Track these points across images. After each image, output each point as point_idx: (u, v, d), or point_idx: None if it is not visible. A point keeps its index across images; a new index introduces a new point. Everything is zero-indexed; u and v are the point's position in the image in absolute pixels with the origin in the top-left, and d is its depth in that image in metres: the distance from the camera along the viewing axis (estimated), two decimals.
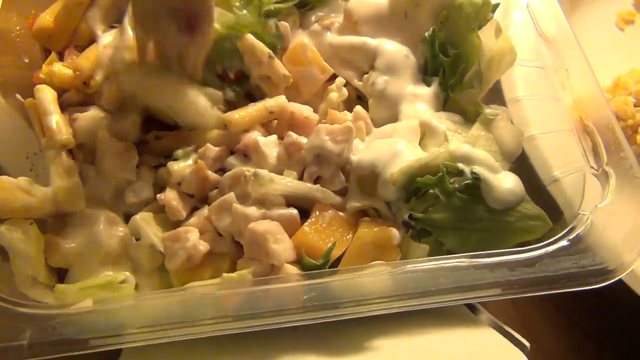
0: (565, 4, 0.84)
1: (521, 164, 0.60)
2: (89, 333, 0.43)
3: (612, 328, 0.71)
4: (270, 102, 0.61)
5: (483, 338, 0.53)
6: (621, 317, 0.69)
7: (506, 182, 0.53)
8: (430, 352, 0.51)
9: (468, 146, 0.55)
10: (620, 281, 0.58)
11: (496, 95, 0.66)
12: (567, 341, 0.70)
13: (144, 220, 0.54)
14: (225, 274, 0.49)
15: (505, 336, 0.52)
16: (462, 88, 0.63)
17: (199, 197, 0.59)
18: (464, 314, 0.58)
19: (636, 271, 0.58)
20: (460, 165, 0.54)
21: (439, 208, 0.53)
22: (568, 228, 0.47)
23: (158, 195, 0.56)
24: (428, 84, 0.65)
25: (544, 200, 0.55)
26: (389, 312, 0.46)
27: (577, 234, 0.46)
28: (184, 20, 0.55)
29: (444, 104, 0.65)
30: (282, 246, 0.53)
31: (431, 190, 0.53)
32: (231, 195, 0.55)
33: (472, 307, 0.59)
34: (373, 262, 0.49)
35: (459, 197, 0.53)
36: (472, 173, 0.53)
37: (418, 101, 0.63)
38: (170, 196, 0.55)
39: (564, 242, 0.46)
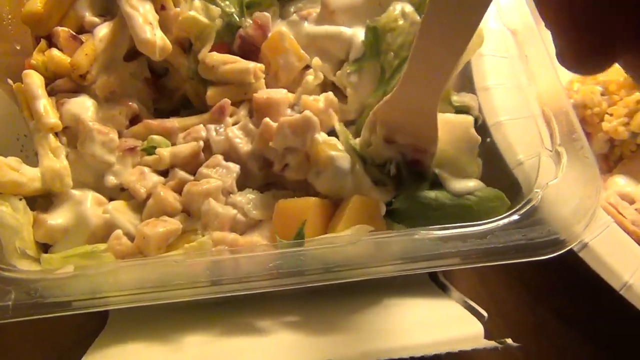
0: None
1: (491, 149, 0.63)
2: (70, 296, 0.46)
3: (576, 306, 0.74)
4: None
5: (445, 309, 0.56)
6: (585, 295, 0.72)
7: (463, 180, 0.58)
8: (395, 320, 0.54)
9: None
10: (581, 259, 0.62)
11: (468, 84, 0.68)
12: (534, 318, 0.73)
13: (116, 209, 0.58)
14: (186, 244, 0.53)
15: (466, 308, 0.56)
16: None
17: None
18: (432, 289, 0.62)
19: (592, 249, 0.62)
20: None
21: (402, 199, 0.56)
22: (521, 204, 0.50)
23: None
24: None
25: (510, 183, 0.58)
26: (353, 280, 0.49)
27: (527, 209, 0.50)
28: (411, 159, 0.58)
29: None
30: None
31: None
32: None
33: (441, 285, 0.62)
34: (334, 234, 0.52)
35: (421, 188, 0.57)
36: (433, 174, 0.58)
37: None
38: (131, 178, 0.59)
39: (514, 217, 0.49)
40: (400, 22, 0.62)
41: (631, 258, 0.64)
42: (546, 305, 0.75)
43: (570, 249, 0.61)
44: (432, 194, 0.57)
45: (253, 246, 0.54)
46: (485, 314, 0.53)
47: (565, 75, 0.85)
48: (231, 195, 0.59)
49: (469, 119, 0.62)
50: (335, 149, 0.58)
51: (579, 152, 0.52)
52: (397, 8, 0.63)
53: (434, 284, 0.62)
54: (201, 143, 0.61)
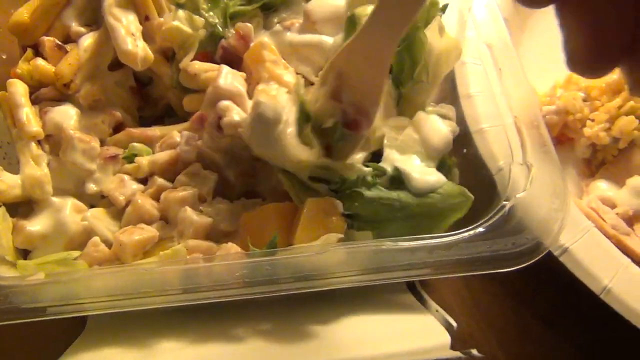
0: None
1: (474, 155, 0.64)
2: (44, 302, 0.47)
3: (559, 310, 0.74)
4: None
5: (416, 319, 0.57)
6: (567, 299, 0.73)
7: (426, 174, 0.58)
8: (366, 330, 0.55)
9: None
10: (562, 264, 0.62)
11: (450, 94, 0.69)
12: (517, 322, 0.74)
13: (95, 217, 0.59)
14: (161, 252, 0.53)
15: (437, 318, 0.56)
16: (413, 83, 0.67)
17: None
18: (407, 298, 0.62)
19: (573, 253, 0.63)
20: (383, 166, 0.59)
21: (365, 203, 0.57)
22: (488, 216, 0.51)
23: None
24: None
25: (493, 189, 0.58)
26: (324, 289, 0.50)
27: (494, 221, 0.50)
28: (351, 119, 0.57)
29: (398, 101, 0.69)
30: None
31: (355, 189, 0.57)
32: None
33: (418, 294, 0.63)
34: (305, 244, 0.53)
35: (381, 189, 0.57)
36: (394, 169, 0.58)
37: None
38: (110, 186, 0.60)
39: (480, 229, 0.50)
40: None
41: (611, 262, 0.64)
42: (529, 309, 0.75)
43: (551, 253, 0.63)
44: (394, 194, 0.57)
45: (227, 255, 0.55)
46: (454, 323, 0.53)
47: (547, 82, 0.87)
48: (204, 204, 0.60)
49: (453, 123, 0.63)
50: (267, 97, 0.56)
51: (548, 165, 0.53)
52: None
53: (410, 292, 0.63)
54: (179, 150, 0.62)
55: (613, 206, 0.75)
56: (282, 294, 0.51)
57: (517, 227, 0.49)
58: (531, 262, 0.48)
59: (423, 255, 0.48)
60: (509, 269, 0.48)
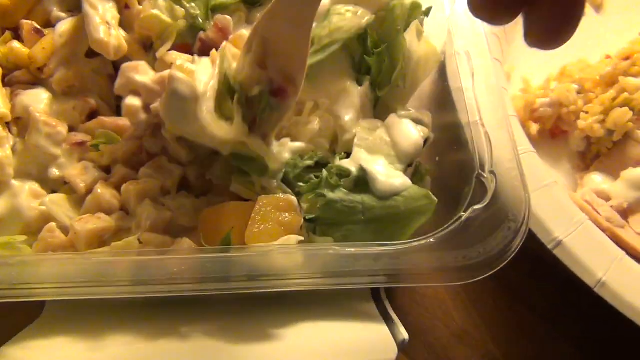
0: None
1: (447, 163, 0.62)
2: None
3: (553, 303, 0.73)
4: None
5: (370, 330, 0.55)
6: (561, 292, 0.72)
7: (391, 177, 0.57)
8: (313, 338, 0.54)
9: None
10: (557, 259, 0.61)
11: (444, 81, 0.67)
12: (512, 316, 0.73)
13: (54, 202, 0.58)
14: (113, 243, 0.53)
15: (391, 330, 0.55)
16: (389, 87, 0.65)
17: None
18: (367, 308, 0.61)
19: (567, 246, 0.62)
20: (347, 165, 0.57)
21: (327, 205, 0.55)
22: (443, 227, 0.49)
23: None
24: (360, 83, 0.66)
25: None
26: (276, 290, 0.49)
27: (445, 233, 0.48)
28: (277, 87, 0.57)
29: (375, 104, 0.67)
30: None
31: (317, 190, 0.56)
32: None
33: (381, 304, 0.61)
34: (261, 244, 0.52)
35: (344, 192, 0.56)
36: (360, 170, 0.56)
37: (345, 98, 0.65)
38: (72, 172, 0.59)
39: (430, 239, 0.48)
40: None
41: (605, 255, 0.64)
42: (525, 305, 0.74)
43: (546, 248, 0.61)
44: (357, 197, 0.56)
45: (179, 249, 0.54)
46: (407, 337, 0.52)
47: (541, 74, 0.85)
48: (166, 197, 0.59)
49: (425, 129, 0.62)
50: (181, 72, 0.55)
51: (510, 177, 0.51)
52: None
53: (373, 301, 0.61)
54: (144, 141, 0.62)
55: (607, 199, 0.74)
56: (234, 292, 0.50)
57: (470, 240, 0.48)
58: (481, 277, 0.46)
59: (369, 263, 0.47)
60: (456, 283, 0.46)
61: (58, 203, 0.59)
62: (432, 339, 0.67)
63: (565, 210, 0.65)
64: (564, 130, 0.82)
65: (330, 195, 0.56)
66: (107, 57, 0.64)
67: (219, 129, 0.55)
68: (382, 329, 0.54)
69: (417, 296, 0.68)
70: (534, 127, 0.81)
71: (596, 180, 0.77)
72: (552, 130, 0.82)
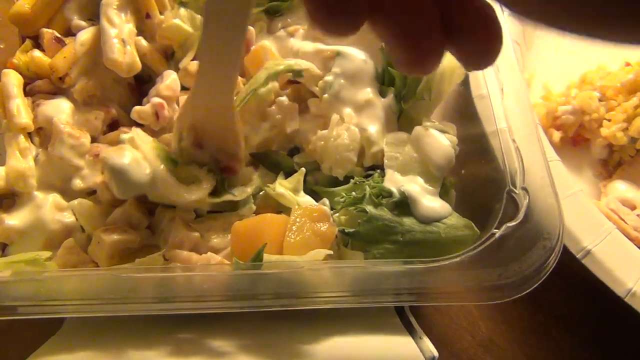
0: None
1: (472, 177, 0.62)
2: (11, 300, 0.46)
3: (578, 312, 0.72)
4: None
5: (399, 345, 0.55)
6: (587, 301, 0.71)
7: (432, 202, 0.56)
8: (343, 353, 0.53)
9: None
10: (584, 266, 0.61)
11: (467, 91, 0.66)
12: (536, 324, 0.72)
13: (81, 207, 0.58)
14: (137, 259, 0.52)
15: (420, 346, 0.54)
16: (414, 99, 0.65)
17: None
18: (393, 323, 0.60)
19: (596, 256, 0.61)
20: (388, 186, 0.57)
21: (368, 221, 0.55)
22: (477, 243, 0.49)
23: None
24: (384, 95, 0.66)
25: (488, 214, 0.56)
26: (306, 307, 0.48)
27: (480, 250, 0.48)
28: (223, 166, 0.60)
29: (399, 116, 0.67)
30: None
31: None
32: None
33: (406, 319, 0.61)
34: (290, 257, 0.51)
35: (387, 212, 0.55)
36: (400, 192, 0.56)
37: (369, 110, 0.65)
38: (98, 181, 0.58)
39: (466, 258, 0.47)
40: None
41: (635, 264, 0.62)
42: (548, 311, 0.73)
43: (571, 255, 0.60)
44: (398, 218, 0.56)
45: (206, 264, 0.54)
46: (436, 354, 0.51)
47: (561, 81, 0.85)
48: (196, 220, 0.58)
49: (454, 138, 0.61)
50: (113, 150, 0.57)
51: (544, 193, 0.50)
52: None
53: (397, 316, 0.61)
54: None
55: (633, 207, 0.74)
56: (262, 310, 0.49)
57: (506, 257, 0.47)
58: (517, 296, 0.46)
59: (404, 281, 0.46)
60: (494, 302, 0.46)
61: (84, 208, 0.58)
62: (459, 349, 0.66)
63: (592, 219, 0.65)
64: (586, 138, 0.82)
65: (374, 211, 0.55)
66: (120, 74, 0.64)
67: (189, 194, 0.57)
68: (410, 343, 0.54)
69: (442, 306, 0.68)
70: (556, 135, 0.80)
71: (620, 188, 0.76)
72: (573, 137, 0.82)
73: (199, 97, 0.55)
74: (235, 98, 0.59)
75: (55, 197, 0.58)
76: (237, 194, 0.59)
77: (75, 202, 0.58)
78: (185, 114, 0.58)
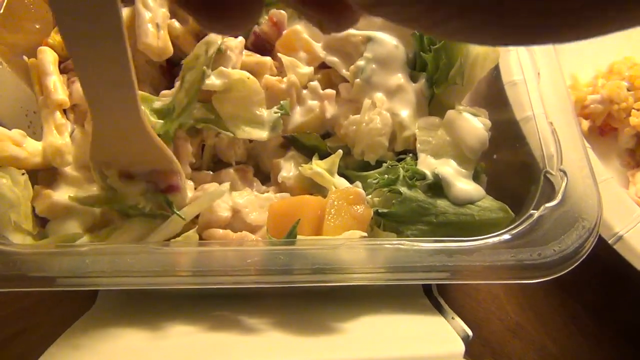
0: None
1: (504, 162, 0.62)
2: (50, 272, 0.47)
3: (608, 299, 0.73)
4: None
5: (431, 325, 0.55)
6: (616, 288, 0.71)
7: (466, 184, 0.56)
8: (378, 332, 0.53)
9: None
10: (614, 252, 0.61)
11: (497, 79, 0.66)
12: (566, 312, 0.72)
13: None
14: (172, 240, 0.52)
15: (453, 326, 0.54)
16: (446, 84, 0.65)
17: None
18: (423, 303, 0.60)
19: (627, 241, 0.61)
20: (423, 170, 0.57)
21: (403, 202, 0.55)
22: (515, 223, 0.49)
23: None
24: (415, 80, 0.66)
25: (522, 195, 0.56)
26: (340, 284, 0.48)
27: (520, 229, 0.48)
28: (164, 187, 0.56)
29: (430, 100, 0.67)
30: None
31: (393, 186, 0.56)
32: None
33: (434, 299, 0.61)
34: (324, 236, 0.51)
35: (420, 193, 0.56)
36: (434, 175, 0.56)
37: (401, 95, 0.65)
38: None
39: (505, 236, 0.48)
40: (201, 59, 0.61)
41: None
42: (577, 299, 0.73)
43: (601, 241, 0.60)
44: (432, 200, 0.56)
45: (241, 240, 0.54)
46: (470, 333, 0.51)
47: (588, 70, 0.85)
48: (232, 193, 0.59)
49: (487, 122, 0.61)
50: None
51: (581, 174, 0.50)
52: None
53: (426, 298, 0.61)
54: None
55: None
56: (295, 286, 0.49)
57: (545, 237, 0.47)
58: (557, 275, 0.46)
59: (443, 259, 0.46)
60: (533, 281, 0.46)
61: None
62: (487, 333, 0.67)
63: (624, 205, 0.64)
64: (614, 127, 0.82)
65: (408, 192, 0.56)
66: (152, 58, 0.64)
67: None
68: (443, 322, 0.54)
69: (471, 290, 0.68)
70: (585, 124, 0.81)
71: None
72: (601, 127, 0.82)
73: (100, 126, 0.49)
74: (144, 109, 0.53)
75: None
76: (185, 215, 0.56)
77: None
78: (96, 151, 0.52)
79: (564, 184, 0.50)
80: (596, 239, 0.47)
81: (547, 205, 0.49)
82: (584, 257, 0.46)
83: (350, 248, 0.49)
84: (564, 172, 0.51)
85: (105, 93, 0.45)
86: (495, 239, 0.48)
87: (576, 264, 0.46)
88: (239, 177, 0.64)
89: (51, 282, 0.48)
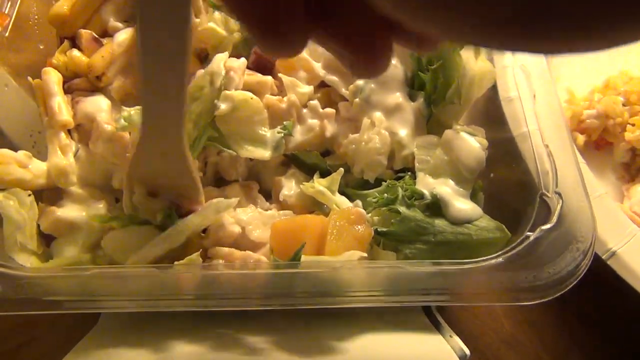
0: None
1: (501, 181, 0.63)
2: (57, 295, 0.48)
3: (604, 312, 0.73)
4: None
5: (430, 343, 0.56)
6: (612, 302, 0.72)
7: (464, 204, 0.57)
8: (376, 350, 0.54)
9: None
10: (609, 267, 0.62)
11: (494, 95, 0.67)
12: (561, 324, 0.73)
13: None
14: (176, 262, 0.53)
15: (451, 344, 0.55)
16: (444, 104, 0.66)
17: None
18: (422, 322, 0.61)
19: (621, 257, 0.62)
20: (421, 190, 0.58)
21: (402, 221, 0.56)
22: (511, 245, 0.50)
23: None
24: (413, 99, 0.67)
25: (518, 217, 0.57)
26: (332, 307, 0.49)
27: (515, 252, 0.49)
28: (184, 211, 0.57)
29: (428, 119, 0.68)
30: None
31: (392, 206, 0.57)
32: None
33: (434, 319, 0.62)
34: (324, 257, 0.52)
35: (419, 212, 0.57)
36: (432, 194, 0.57)
37: (399, 114, 0.66)
38: None
39: (501, 259, 0.49)
40: (205, 90, 0.61)
41: None
42: (573, 311, 0.74)
43: (596, 255, 0.61)
44: (430, 219, 0.57)
45: (246, 262, 0.55)
46: (468, 352, 0.52)
47: (584, 85, 0.86)
48: (237, 210, 0.60)
49: (484, 141, 0.62)
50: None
51: (577, 197, 0.51)
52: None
53: (424, 315, 0.62)
54: None
55: None
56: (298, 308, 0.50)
57: (540, 260, 0.48)
58: (552, 297, 0.47)
59: (439, 281, 0.47)
60: (528, 303, 0.47)
61: None
62: (482, 346, 0.68)
63: (617, 221, 0.65)
64: (609, 142, 0.83)
65: (406, 212, 0.57)
66: None
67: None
68: (440, 341, 0.55)
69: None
70: (580, 138, 0.82)
71: None
72: (597, 141, 0.83)
73: (147, 146, 0.51)
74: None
75: (105, 200, 0.61)
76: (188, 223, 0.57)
77: None
78: (135, 168, 0.55)
79: (559, 207, 0.51)
80: (590, 261, 0.48)
81: (543, 227, 0.50)
82: (579, 278, 0.47)
83: (351, 270, 0.50)
84: (560, 195, 0.52)
85: (160, 108, 0.47)
86: (492, 261, 0.49)
87: (570, 286, 0.47)
88: (244, 193, 0.65)
89: (58, 305, 0.48)
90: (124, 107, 0.62)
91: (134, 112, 0.60)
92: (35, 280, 0.48)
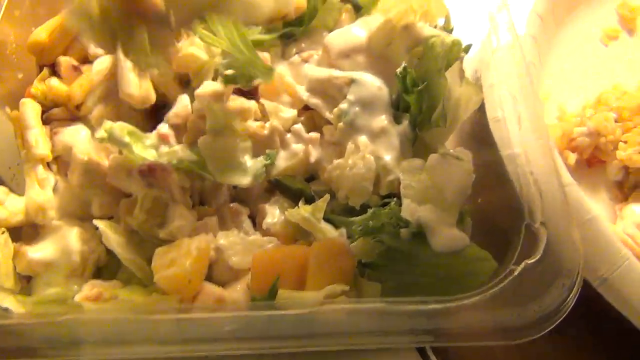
0: (549, 20, 0.87)
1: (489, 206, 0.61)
2: (30, 343, 0.46)
3: (597, 336, 0.71)
4: None
5: None
6: (605, 326, 0.70)
7: (449, 233, 0.56)
8: None
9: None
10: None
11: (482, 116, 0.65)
12: (552, 347, 0.70)
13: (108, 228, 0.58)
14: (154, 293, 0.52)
15: None
16: (429, 127, 0.65)
17: None
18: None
19: (612, 284, 0.60)
20: (405, 216, 0.57)
21: (386, 253, 0.55)
22: (496, 279, 0.48)
23: None
24: (399, 121, 0.66)
25: (505, 247, 0.55)
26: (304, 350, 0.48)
27: (499, 288, 0.47)
28: None
29: (413, 142, 0.66)
30: None
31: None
32: None
33: (426, 357, 0.60)
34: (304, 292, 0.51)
35: (404, 241, 0.55)
36: (417, 223, 0.56)
37: (384, 138, 0.64)
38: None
39: (485, 296, 0.47)
40: None
41: None
42: (567, 332, 0.72)
43: (585, 281, 0.59)
44: (415, 248, 0.56)
45: (219, 307, 0.54)
46: None
47: (576, 101, 0.85)
48: (219, 234, 0.59)
49: (470, 167, 0.60)
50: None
51: (563, 230, 0.50)
52: None
53: (416, 353, 0.60)
54: None
55: None
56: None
57: (524, 297, 0.47)
58: (537, 336, 0.46)
59: (422, 322, 0.46)
60: (511, 342, 0.45)
61: (110, 230, 0.58)
62: None
63: (608, 245, 0.63)
64: (601, 160, 0.81)
65: (390, 242, 0.56)
66: (135, 106, 0.64)
67: None
68: None
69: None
70: (572, 157, 0.79)
71: (637, 212, 0.74)
72: (589, 159, 0.81)
73: None
74: None
75: (79, 228, 0.59)
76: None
77: (101, 225, 0.58)
78: None
79: (544, 238, 0.49)
80: (577, 295, 0.47)
81: (528, 261, 0.48)
82: (564, 315, 0.46)
83: (332, 312, 0.49)
84: (545, 225, 0.50)
85: None
86: (476, 299, 0.47)
87: (556, 323, 0.46)
88: (230, 217, 0.64)
89: (33, 352, 0.47)
90: (107, 120, 0.61)
91: (117, 126, 0.60)
92: (7, 328, 0.47)
